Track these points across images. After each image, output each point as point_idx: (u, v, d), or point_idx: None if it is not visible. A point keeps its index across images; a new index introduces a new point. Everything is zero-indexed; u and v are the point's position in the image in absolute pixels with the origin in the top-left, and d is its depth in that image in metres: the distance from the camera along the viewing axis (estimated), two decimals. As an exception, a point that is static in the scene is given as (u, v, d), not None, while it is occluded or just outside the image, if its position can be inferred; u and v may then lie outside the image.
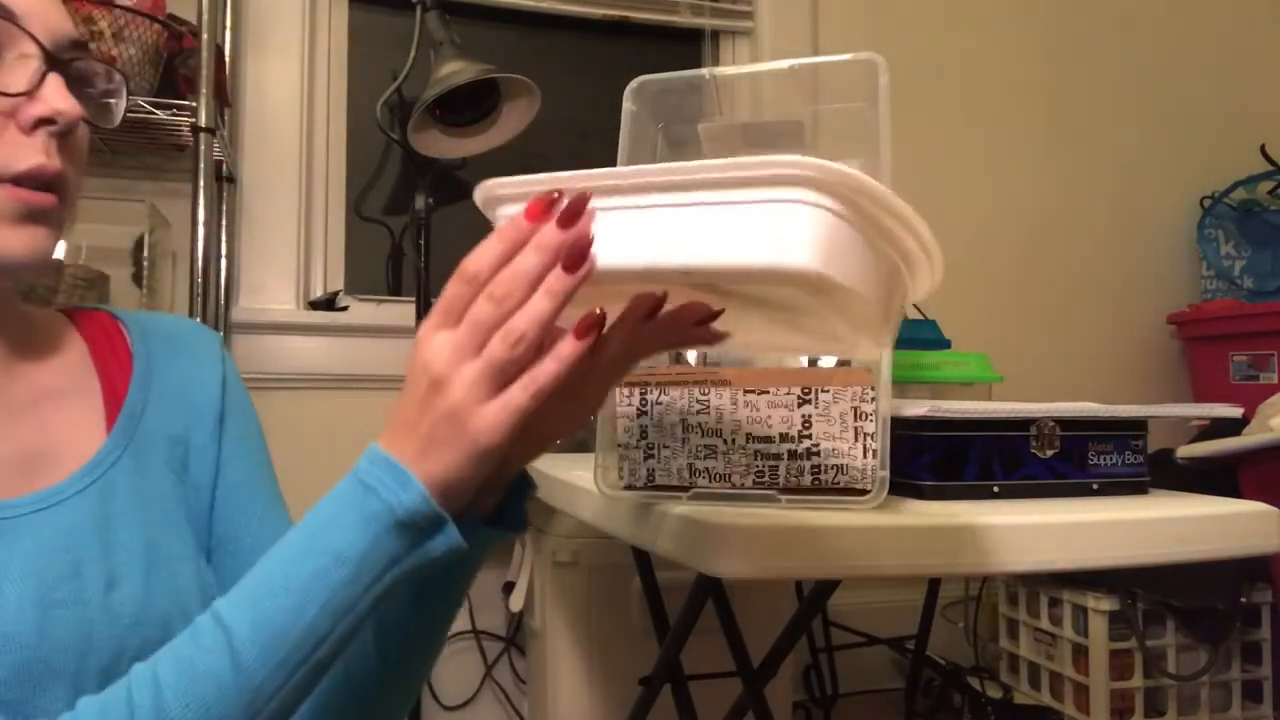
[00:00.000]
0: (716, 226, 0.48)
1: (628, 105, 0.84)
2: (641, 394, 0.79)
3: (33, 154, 0.55)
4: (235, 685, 0.48)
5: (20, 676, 0.52)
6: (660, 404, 0.80)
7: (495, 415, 0.49)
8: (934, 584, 1.53)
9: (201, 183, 1.30)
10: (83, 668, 0.55)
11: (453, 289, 0.51)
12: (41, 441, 0.61)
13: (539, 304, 0.49)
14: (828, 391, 0.75)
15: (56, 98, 0.55)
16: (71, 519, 0.59)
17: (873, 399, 0.74)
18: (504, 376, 0.49)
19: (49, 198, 0.56)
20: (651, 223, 0.50)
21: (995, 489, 0.83)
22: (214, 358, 0.71)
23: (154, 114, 1.31)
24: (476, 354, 0.49)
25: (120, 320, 0.69)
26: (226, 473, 0.70)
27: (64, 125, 0.55)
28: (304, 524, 0.52)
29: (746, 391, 0.77)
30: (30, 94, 0.55)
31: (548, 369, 0.50)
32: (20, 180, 0.54)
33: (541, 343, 0.50)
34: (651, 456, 0.80)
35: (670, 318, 0.55)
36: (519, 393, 0.49)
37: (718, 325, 0.56)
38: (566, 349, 0.50)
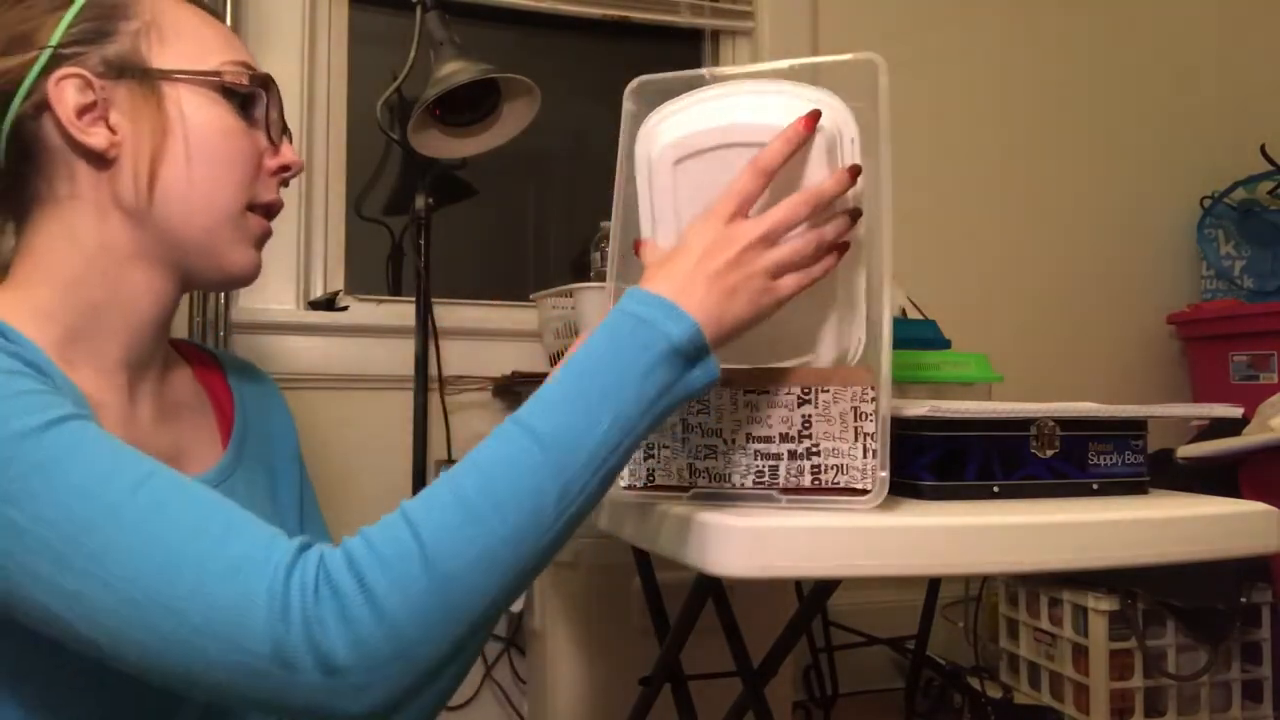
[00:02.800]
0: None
1: (628, 105, 0.84)
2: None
3: (273, 191, 0.75)
4: (550, 478, 0.56)
5: None
6: (660, 404, 0.80)
7: (791, 284, 0.68)
8: (934, 584, 1.53)
9: (201, 183, 1.30)
10: None
11: (750, 183, 0.67)
12: (181, 442, 0.74)
13: (830, 228, 0.69)
14: (828, 391, 0.75)
15: (292, 153, 0.76)
16: None
17: (873, 399, 0.74)
18: (789, 268, 0.68)
19: (272, 229, 0.76)
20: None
21: (995, 489, 0.83)
22: (282, 398, 0.88)
23: (154, 114, 1.31)
24: (773, 244, 0.67)
25: (209, 352, 0.84)
26: (305, 498, 0.86)
27: (294, 174, 0.76)
28: (584, 352, 0.61)
29: (746, 391, 0.77)
30: (278, 147, 0.75)
31: (815, 270, 0.70)
32: (261, 209, 0.73)
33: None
34: (651, 456, 0.80)
35: None
36: (802, 277, 0.69)
37: None
38: (827, 263, 0.70)
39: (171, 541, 0.51)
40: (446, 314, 1.71)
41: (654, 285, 0.64)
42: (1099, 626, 1.60)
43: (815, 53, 1.94)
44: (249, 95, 0.72)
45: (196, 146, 0.68)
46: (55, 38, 0.65)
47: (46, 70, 0.65)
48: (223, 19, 0.78)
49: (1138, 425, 0.90)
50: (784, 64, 0.82)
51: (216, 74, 0.69)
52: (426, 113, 1.59)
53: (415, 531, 0.53)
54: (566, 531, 0.57)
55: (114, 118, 0.66)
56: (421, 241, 1.66)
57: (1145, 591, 1.59)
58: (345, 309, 1.70)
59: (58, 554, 0.50)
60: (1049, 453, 0.85)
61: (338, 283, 1.75)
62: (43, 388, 0.56)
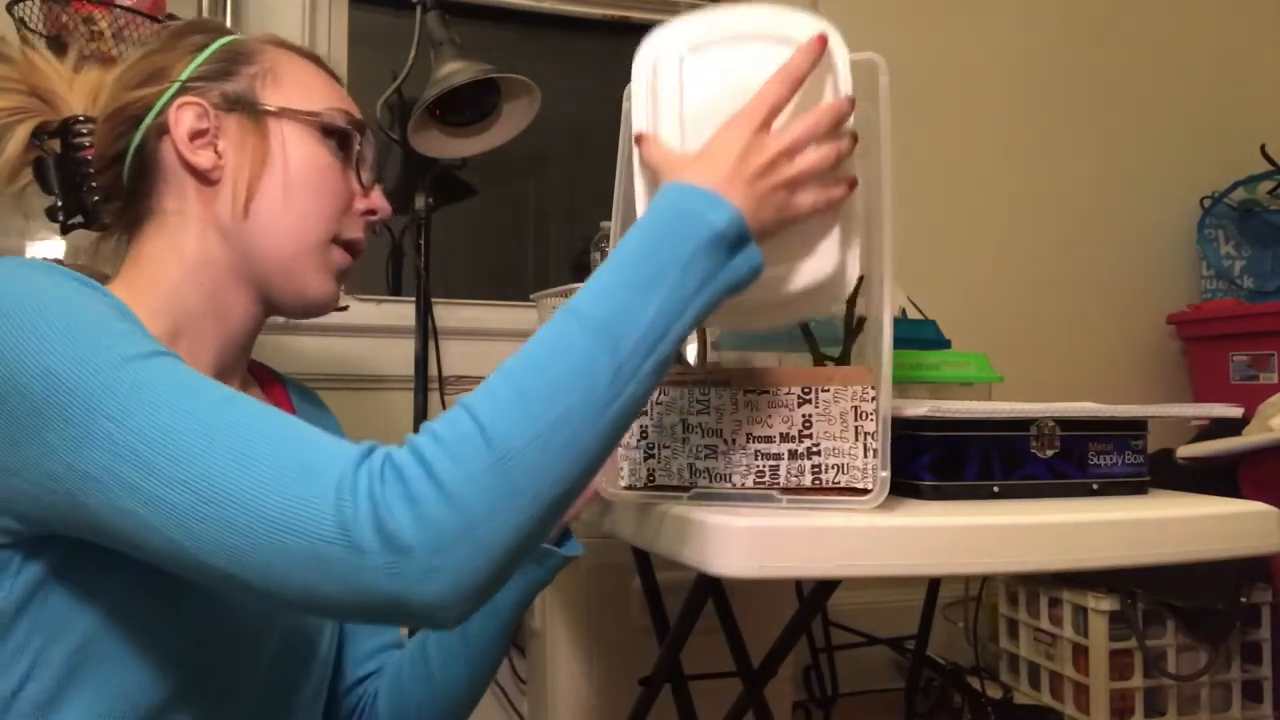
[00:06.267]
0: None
1: (628, 105, 0.84)
2: (641, 394, 0.79)
3: (358, 230, 0.81)
4: (602, 358, 0.57)
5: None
6: (660, 404, 0.80)
7: (809, 202, 0.70)
8: (934, 584, 1.53)
9: (201, 183, 1.30)
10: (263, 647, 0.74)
11: (780, 90, 0.69)
12: None
13: (844, 143, 0.71)
14: (828, 391, 0.75)
15: (382, 199, 0.82)
16: None
17: (873, 398, 0.74)
18: (811, 179, 0.70)
19: (353, 265, 0.82)
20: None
21: (995, 489, 0.83)
22: (333, 416, 0.95)
23: (154, 114, 1.32)
24: (793, 158, 0.68)
25: (277, 374, 0.91)
26: None
27: (381, 218, 0.82)
28: (626, 245, 0.63)
29: (746, 391, 0.77)
30: (368, 191, 0.81)
31: (834, 193, 0.71)
32: (344, 245, 0.79)
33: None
34: (651, 456, 0.80)
35: None
36: (818, 198, 0.70)
37: None
38: (841, 191, 0.72)
39: (251, 445, 0.54)
40: (446, 314, 1.71)
41: (694, 177, 0.66)
42: (1099, 626, 1.60)
43: (815, 53, 1.93)
44: (346, 137, 0.79)
45: (292, 177, 0.76)
46: (185, 73, 0.75)
47: (173, 99, 0.74)
48: (338, 77, 0.86)
49: (1138, 425, 0.90)
50: (784, 64, 0.81)
51: (317, 115, 0.77)
52: (426, 113, 1.59)
53: (474, 415, 0.55)
54: (622, 417, 0.59)
55: (222, 144, 0.75)
56: (421, 241, 1.66)
57: (1145, 591, 1.59)
58: (345, 309, 1.67)
59: (146, 460, 0.54)
60: (1049, 453, 0.85)
61: (338, 283, 1.75)
62: (144, 331, 0.61)
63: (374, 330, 1.70)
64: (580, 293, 0.61)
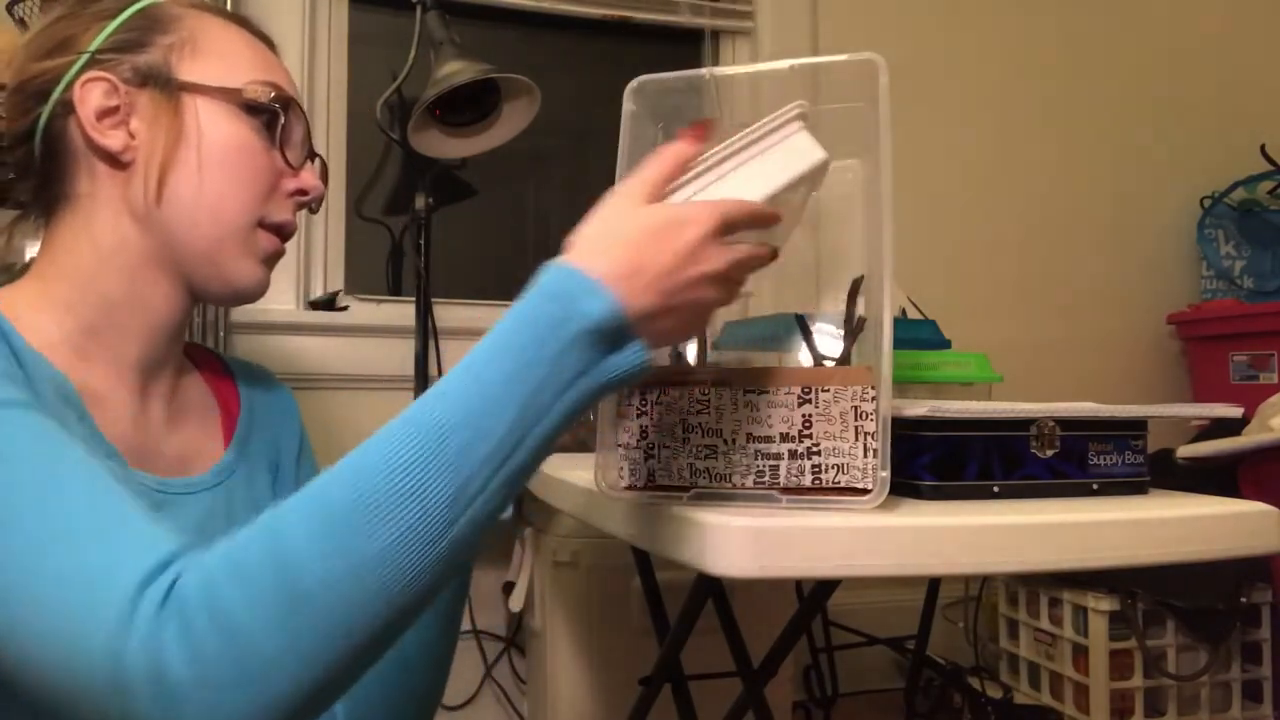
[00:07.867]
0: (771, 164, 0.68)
1: (628, 105, 0.84)
2: (641, 394, 0.79)
3: (287, 212, 0.75)
4: (440, 478, 0.50)
5: None
6: (660, 404, 0.80)
7: (730, 297, 0.63)
8: (934, 584, 1.53)
9: (201, 183, 1.30)
10: None
11: (670, 169, 0.63)
12: (188, 444, 0.76)
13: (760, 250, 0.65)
14: (828, 391, 0.74)
15: (312, 178, 0.76)
16: (207, 508, 0.73)
17: (873, 398, 0.74)
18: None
19: (284, 249, 0.76)
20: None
21: (995, 489, 0.83)
22: (293, 402, 0.89)
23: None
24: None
25: (219, 357, 0.86)
26: None
27: (312, 199, 0.76)
28: (494, 334, 0.56)
29: (746, 391, 0.77)
30: (298, 171, 0.75)
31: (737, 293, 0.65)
32: (270, 229, 0.74)
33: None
34: (651, 456, 0.80)
35: None
36: (734, 295, 0.64)
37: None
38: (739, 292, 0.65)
39: (46, 536, 0.49)
40: (446, 314, 1.71)
41: (594, 256, 0.58)
42: (1099, 626, 1.60)
43: (815, 53, 1.93)
44: (270, 114, 0.73)
45: (209, 157, 0.70)
46: (94, 44, 0.69)
47: (80, 74, 0.68)
48: (271, 42, 0.78)
49: (1138, 425, 0.90)
50: (784, 64, 0.82)
51: (238, 90, 0.71)
52: (426, 113, 1.59)
53: (278, 538, 0.49)
54: (464, 541, 0.51)
55: (135, 124, 0.69)
56: (421, 241, 1.66)
57: (1145, 591, 1.59)
58: (345, 309, 1.70)
59: None
60: (1049, 453, 0.85)
61: (338, 283, 1.75)
62: None
63: (374, 330, 1.70)
64: (429, 392, 0.54)
